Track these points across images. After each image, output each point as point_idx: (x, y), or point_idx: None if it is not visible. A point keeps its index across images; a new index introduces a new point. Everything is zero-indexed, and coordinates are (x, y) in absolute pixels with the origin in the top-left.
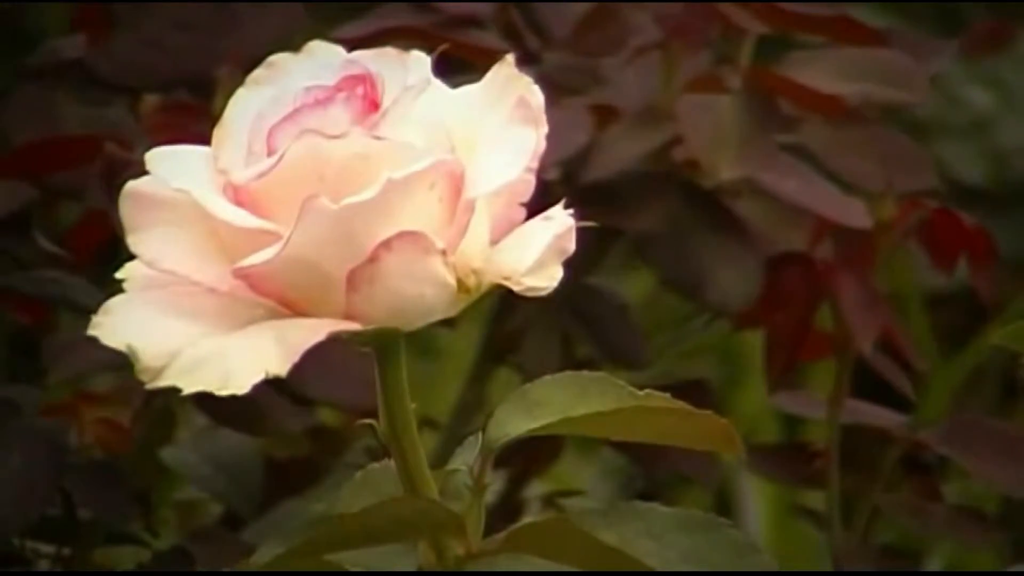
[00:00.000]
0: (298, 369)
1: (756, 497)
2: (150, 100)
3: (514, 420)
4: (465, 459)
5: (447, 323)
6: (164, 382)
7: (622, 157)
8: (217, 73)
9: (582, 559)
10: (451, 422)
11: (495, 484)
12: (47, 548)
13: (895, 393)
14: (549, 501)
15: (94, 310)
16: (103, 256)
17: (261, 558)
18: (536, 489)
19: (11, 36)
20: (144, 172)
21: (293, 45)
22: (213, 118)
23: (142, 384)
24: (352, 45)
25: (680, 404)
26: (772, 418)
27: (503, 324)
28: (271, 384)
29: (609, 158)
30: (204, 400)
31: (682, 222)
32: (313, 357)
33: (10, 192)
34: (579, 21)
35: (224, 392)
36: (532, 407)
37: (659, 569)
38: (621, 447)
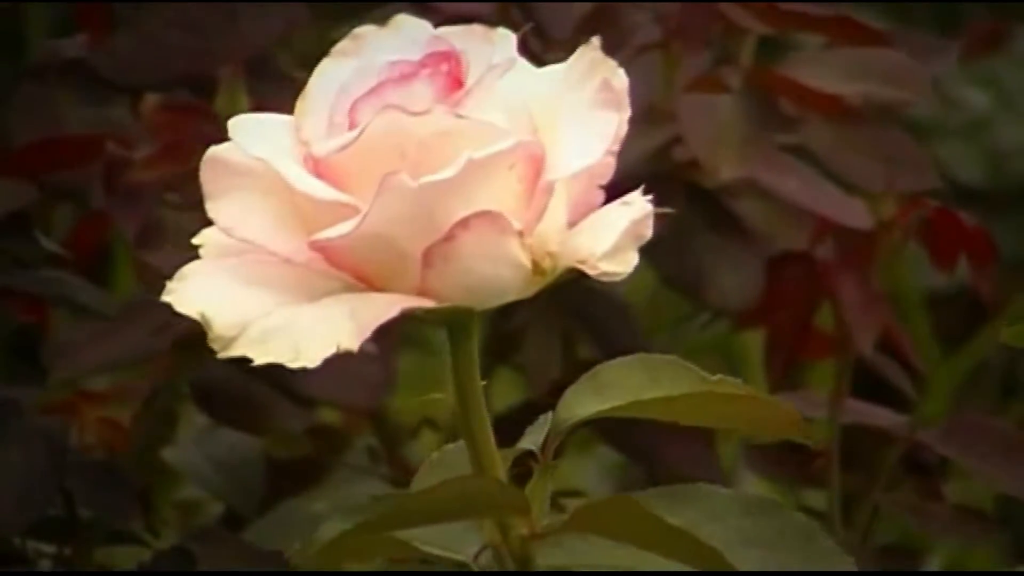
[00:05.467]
0: (299, 368)
1: None
2: (151, 100)
3: (584, 402)
4: (534, 440)
5: None
6: (235, 352)
7: (623, 157)
8: (218, 73)
9: (646, 540)
10: (452, 422)
11: None
12: (48, 547)
13: (895, 393)
14: (550, 501)
15: (95, 310)
16: (104, 256)
17: (326, 534)
18: None
19: (11, 36)
20: (145, 171)
21: (293, 45)
22: (214, 118)
23: (145, 383)
24: None
25: (750, 390)
26: None
27: (503, 324)
28: (272, 383)
29: None
30: (205, 400)
31: (683, 222)
32: None
33: (10, 192)
34: (579, 21)
35: (295, 364)
36: (602, 389)
37: (721, 550)
38: (621, 446)
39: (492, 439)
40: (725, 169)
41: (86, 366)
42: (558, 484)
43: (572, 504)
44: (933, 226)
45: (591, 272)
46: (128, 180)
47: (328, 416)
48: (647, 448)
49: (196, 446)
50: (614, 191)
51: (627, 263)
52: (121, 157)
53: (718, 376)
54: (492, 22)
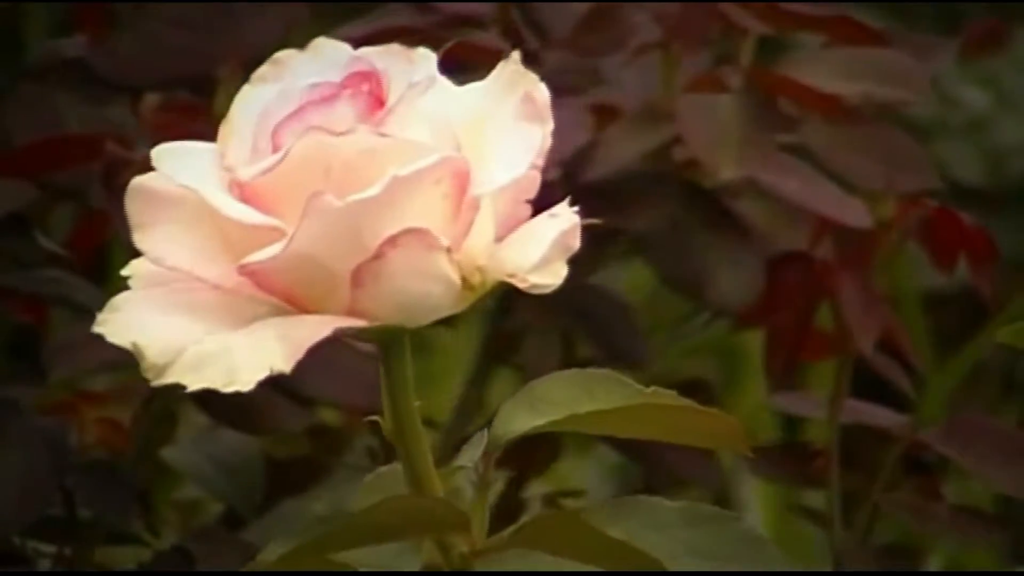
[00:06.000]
0: (298, 369)
1: (756, 497)
2: (151, 99)
3: (519, 417)
4: (470, 456)
5: (447, 323)
6: (169, 379)
7: (622, 156)
8: (218, 72)
9: (589, 554)
10: (451, 422)
11: (495, 485)
12: (48, 547)
13: (895, 393)
14: (549, 501)
15: (94, 310)
16: (103, 256)
17: (267, 557)
18: (536, 489)
19: (11, 36)
20: (145, 171)
21: (293, 45)
22: (214, 117)
23: (144, 382)
24: (353, 45)
25: (686, 402)
26: (772, 418)
27: (503, 324)
28: (271, 384)
29: (609, 157)
30: (205, 399)
31: (682, 222)
32: (314, 357)
33: (10, 192)
34: (579, 21)
35: (229, 389)
36: (537, 403)
37: (665, 562)
38: (621, 447)
39: (429, 457)
40: (725, 169)
41: (86, 366)
42: (558, 484)
43: (572, 504)
44: (933, 226)
45: (520, 285)
46: (128, 180)
47: (328, 416)
48: (647, 449)
49: (196, 446)
50: (614, 191)
51: (557, 274)
52: (121, 157)
53: (652, 388)
54: (492, 22)
